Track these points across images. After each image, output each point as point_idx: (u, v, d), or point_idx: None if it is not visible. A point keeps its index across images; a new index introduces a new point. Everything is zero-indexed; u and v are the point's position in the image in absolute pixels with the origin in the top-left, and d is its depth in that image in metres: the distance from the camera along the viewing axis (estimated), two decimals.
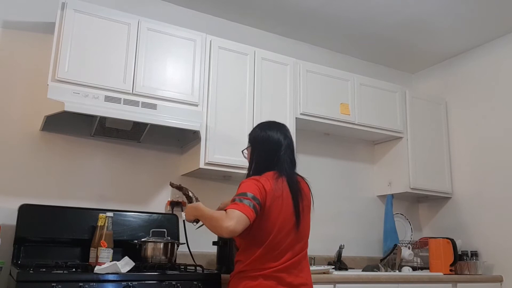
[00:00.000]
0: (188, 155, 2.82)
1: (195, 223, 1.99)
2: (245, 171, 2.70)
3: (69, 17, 2.38)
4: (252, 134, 2.02)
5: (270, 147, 1.93)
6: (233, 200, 1.74)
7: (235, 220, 1.66)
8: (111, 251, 2.19)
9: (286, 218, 1.82)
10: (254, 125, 2.74)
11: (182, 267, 2.26)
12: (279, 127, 1.99)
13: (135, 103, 2.43)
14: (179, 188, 2.30)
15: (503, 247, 3.20)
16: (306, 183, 1.98)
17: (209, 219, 1.77)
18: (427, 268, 3.13)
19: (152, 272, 2.02)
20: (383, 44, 3.64)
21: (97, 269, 1.90)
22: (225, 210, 1.72)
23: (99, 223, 2.25)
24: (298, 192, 1.89)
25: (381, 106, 3.39)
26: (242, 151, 2.10)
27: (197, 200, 2.22)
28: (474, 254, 3.19)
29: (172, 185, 2.33)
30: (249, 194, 1.74)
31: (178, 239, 2.61)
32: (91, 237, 2.30)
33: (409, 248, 3.21)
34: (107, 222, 2.24)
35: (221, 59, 2.79)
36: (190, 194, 2.25)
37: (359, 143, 3.67)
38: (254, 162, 1.94)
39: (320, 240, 3.25)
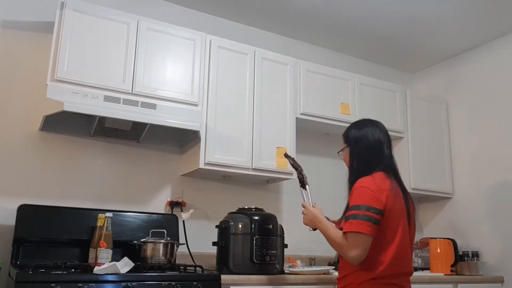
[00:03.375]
0: (188, 155, 2.81)
1: (311, 230, 1.99)
2: (244, 171, 2.72)
3: (69, 16, 2.37)
4: (349, 133, 1.96)
5: (371, 145, 1.88)
6: (348, 218, 1.71)
7: (357, 247, 1.66)
8: (111, 251, 2.19)
9: (404, 217, 1.79)
10: (254, 125, 2.78)
11: (182, 267, 2.25)
12: (376, 124, 1.95)
13: (134, 103, 2.42)
14: (294, 165, 2.07)
15: (504, 248, 3.19)
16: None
17: (332, 241, 1.79)
18: (428, 269, 3.12)
19: (152, 272, 2.01)
20: (384, 43, 3.63)
21: (96, 269, 1.89)
22: (343, 231, 1.71)
23: (99, 224, 2.24)
24: (407, 192, 1.87)
25: (381, 106, 3.38)
26: (338, 152, 2.02)
27: (306, 182, 2.06)
28: (475, 255, 3.18)
29: (287, 156, 2.10)
30: (363, 207, 1.70)
31: (177, 239, 2.60)
32: (91, 238, 2.30)
33: None
34: (107, 223, 2.24)
35: (221, 59, 2.78)
36: (304, 176, 2.05)
37: None
38: (355, 162, 1.89)
39: (320, 241, 3.23)
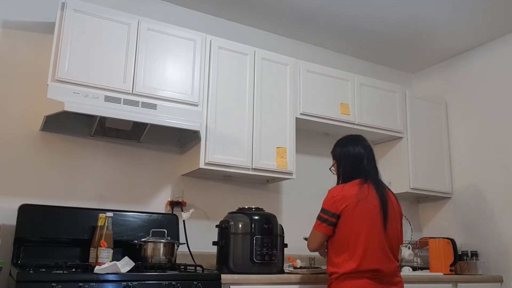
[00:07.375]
0: (188, 155, 2.82)
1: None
2: (244, 171, 2.73)
3: (69, 17, 2.38)
4: (334, 151, 2.28)
5: (353, 159, 2.18)
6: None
7: (312, 240, 2.14)
8: (111, 251, 2.19)
9: (373, 218, 2.03)
10: (254, 125, 2.79)
11: (182, 267, 2.25)
12: (357, 140, 2.24)
13: (135, 103, 2.43)
14: None
15: (503, 247, 3.20)
16: (392, 192, 2.22)
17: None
18: (427, 268, 3.13)
19: (152, 272, 2.02)
20: (383, 44, 3.64)
21: (97, 269, 1.90)
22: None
23: (99, 223, 2.25)
24: (385, 196, 2.11)
25: (381, 106, 3.38)
26: (329, 168, 2.31)
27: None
28: (474, 254, 3.19)
29: None
30: (323, 210, 2.10)
31: (178, 239, 2.61)
32: (91, 237, 2.31)
33: (409, 248, 3.20)
34: (107, 222, 2.24)
35: (221, 59, 2.79)
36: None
37: None
38: (341, 175, 2.20)
39: None
